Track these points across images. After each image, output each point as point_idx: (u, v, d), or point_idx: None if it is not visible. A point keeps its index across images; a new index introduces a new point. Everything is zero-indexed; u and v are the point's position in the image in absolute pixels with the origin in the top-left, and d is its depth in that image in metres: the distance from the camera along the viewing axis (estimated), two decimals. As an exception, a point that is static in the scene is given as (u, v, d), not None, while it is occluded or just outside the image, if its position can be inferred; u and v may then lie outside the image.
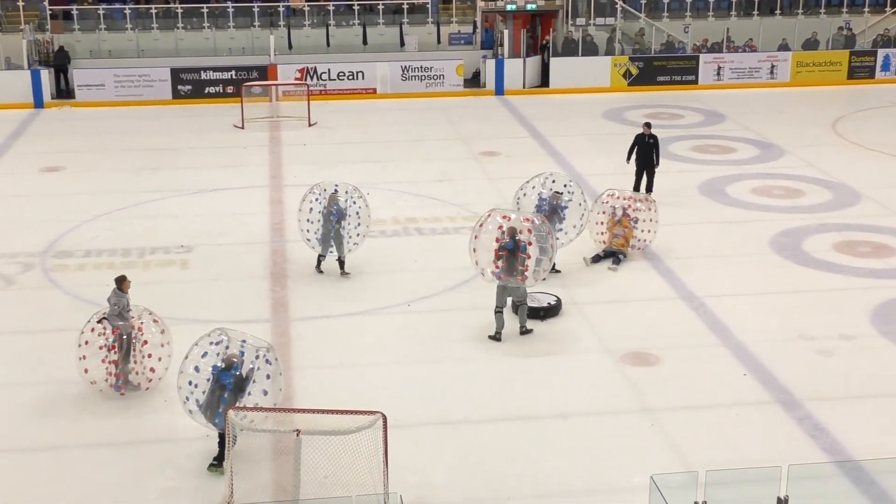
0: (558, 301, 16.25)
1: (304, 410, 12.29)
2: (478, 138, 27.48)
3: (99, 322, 13.66)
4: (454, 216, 20.92)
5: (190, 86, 32.24)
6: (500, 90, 33.11)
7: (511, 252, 14.94)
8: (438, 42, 34.78)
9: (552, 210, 17.64)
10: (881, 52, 34.65)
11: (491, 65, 33.28)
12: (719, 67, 34.16)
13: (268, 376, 12.19)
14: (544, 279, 15.86)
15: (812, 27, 35.22)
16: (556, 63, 33.53)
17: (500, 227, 15.12)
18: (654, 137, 21.67)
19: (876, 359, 14.96)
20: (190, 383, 12.09)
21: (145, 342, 13.70)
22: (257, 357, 12.21)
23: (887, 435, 12.89)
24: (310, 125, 29.01)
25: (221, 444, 11.95)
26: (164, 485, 11.91)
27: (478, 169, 24.59)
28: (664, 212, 18.76)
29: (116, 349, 13.59)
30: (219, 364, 12.09)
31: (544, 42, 34.19)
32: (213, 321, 15.98)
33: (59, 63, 32.20)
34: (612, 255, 18.18)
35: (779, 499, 8.32)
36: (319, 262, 17.83)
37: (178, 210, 21.70)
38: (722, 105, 31.32)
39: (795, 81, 34.25)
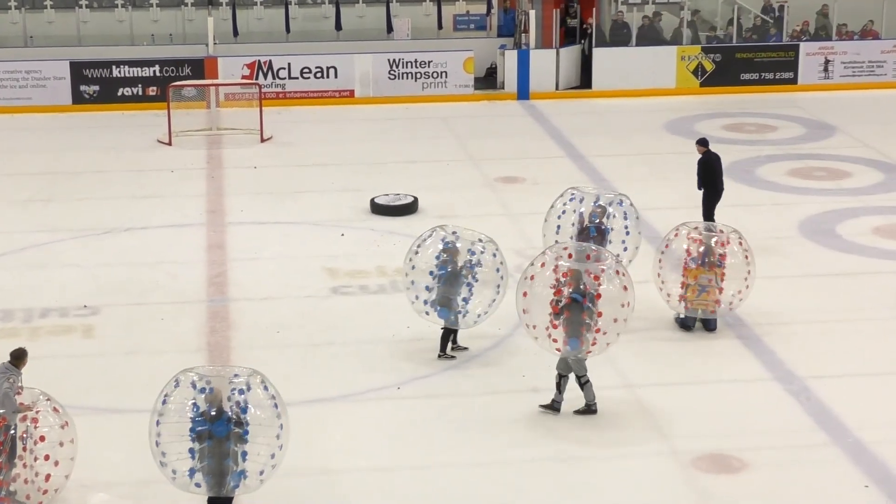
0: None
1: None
2: (494, 159, 27.64)
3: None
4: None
5: (97, 86, 32.41)
6: (523, 93, 33.29)
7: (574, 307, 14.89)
8: (440, 27, 35.01)
9: (600, 234, 17.94)
10: None
11: (512, 58, 33.49)
12: (827, 61, 34.30)
13: (275, 405, 12.75)
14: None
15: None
16: (600, 55, 33.75)
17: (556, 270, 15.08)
18: (707, 155, 21.75)
19: None
20: (165, 460, 12.73)
21: (41, 438, 13.64)
22: (245, 390, 12.73)
23: None
24: (262, 140, 29.20)
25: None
26: None
27: (494, 200, 24.74)
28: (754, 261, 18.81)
29: (0, 448, 13.59)
30: (203, 413, 12.53)
31: (585, 27, 34.31)
32: (127, 409, 16.09)
33: None
34: (700, 322, 18.25)
35: None
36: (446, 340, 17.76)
37: (80, 257, 21.80)
38: (831, 113, 31.48)
39: (933, 80, 34.52)
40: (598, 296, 14.78)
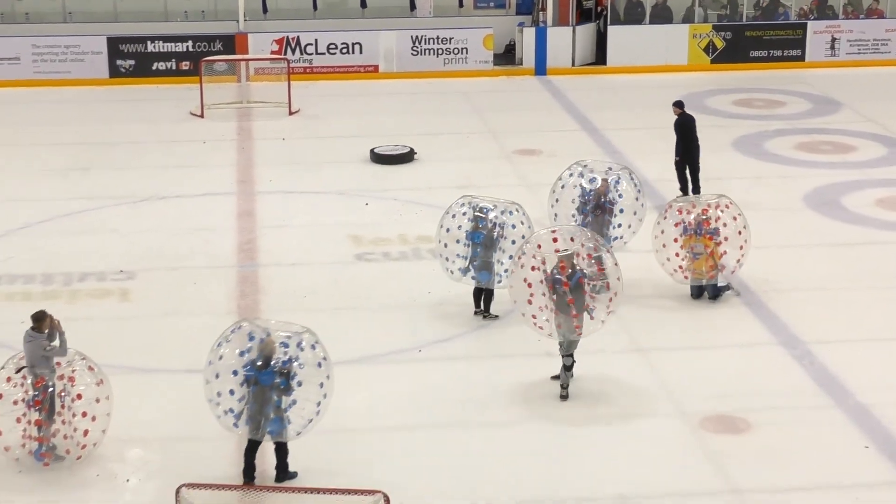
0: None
1: (278, 489, 12.41)
2: (512, 132, 27.63)
3: (17, 371, 13.77)
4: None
5: (133, 61, 32.43)
6: (541, 69, 33.23)
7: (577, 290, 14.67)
8: (461, 5, 34.94)
9: (600, 208, 17.89)
10: None
11: (529, 35, 33.44)
12: (834, 39, 34.15)
13: (319, 364, 13.10)
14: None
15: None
16: (615, 33, 33.66)
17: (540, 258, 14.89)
18: (682, 117, 22.99)
19: None
20: (219, 395, 13.02)
21: (78, 396, 13.76)
22: (299, 346, 13.08)
23: None
24: (290, 113, 29.22)
25: (279, 453, 13.36)
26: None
27: (512, 172, 24.74)
28: (759, 231, 18.73)
29: (40, 406, 13.69)
30: (254, 362, 12.82)
31: (600, 9, 34.19)
32: (161, 369, 16.19)
33: None
34: (715, 290, 18.18)
35: None
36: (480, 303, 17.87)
37: (117, 224, 21.89)
38: (837, 89, 31.38)
39: (935, 59, 34.36)
40: (582, 280, 14.56)
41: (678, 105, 23.30)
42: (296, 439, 13.29)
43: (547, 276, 14.61)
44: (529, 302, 14.73)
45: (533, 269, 14.75)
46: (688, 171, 22.62)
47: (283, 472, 13.54)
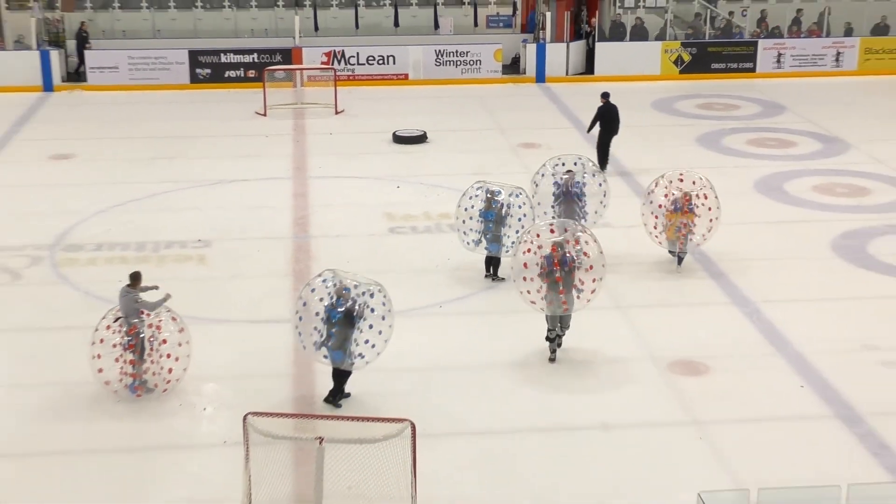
0: None
1: (327, 417, 12.46)
2: (517, 129, 27.54)
3: (116, 320, 13.85)
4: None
5: (209, 69, 32.43)
6: (541, 77, 33.10)
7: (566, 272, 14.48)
8: (475, 25, 34.79)
9: (569, 196, 17.86)
10: (957, 40, 34.44)
11: (532, 50, 33.27)
12: (780, 54, 33.98)
13: (383, 317, 13.36)
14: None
15: (882, 10, 34.94)
16: (602, 48, 33.50)
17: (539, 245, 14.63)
18: (606, 105, 23.68)
19: (945, 372, 14.93)
20: (301, 319, 13.43)
21: (163, 341, 13.85)
22: (370, 295, 13.33)
23: (956, 454, 12.90)
24: (336, 113, 29.14)
25: (337, 378, 13.66)
26: (177, 494, 12.07)
27: (517, 161, 24.64)
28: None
29: (133, 348, 13.77)
30: (330, 302, 13.22)
31: (589, 29, 34.07)
32: (232, 320, 16.27)
33: (81, 43, 32.07)
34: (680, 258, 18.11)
35: (836, 519, 8.37)
36: (490, 268, 17.85)
37: (196, 202, 21.91)
38: (782, 95, 31.21)
39: (863, 70, 34.06)
40: (586, 254, 14.44)
41: (604, 96, 23.83)
42: (357, 370, 13.57)
43: (542, 259, 14.46)
44: (524, 279, 14.62)
45: (528, 251, 14.63)
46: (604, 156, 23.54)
47: (339, 393, 13.80)
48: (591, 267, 14.51)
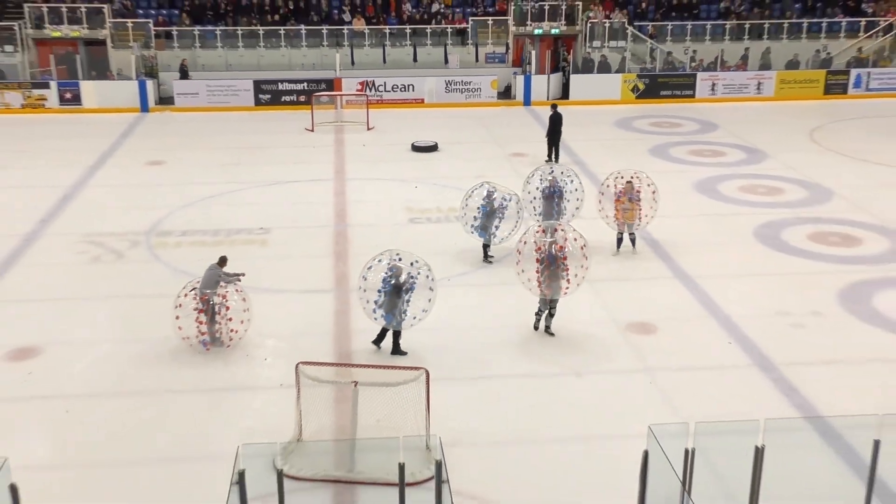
0: None
1: (360, 366, 12.46)
2: (509, 141, 27.40)
3: (192, 290, 13.84)
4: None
5: (269, 95, 32.34)
6: (527, 101, 32.94)
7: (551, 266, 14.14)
8: (476, 60, 34.63)
9: (552, 196, 17.72)
10: (853, 72, 34.13)
11: (520, 80, 33.11)
12: (714, 84, 33.75)
13: (430, 288, 13.38)
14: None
15: (794, 50, 34.82)
16: (575, 79, 33.31)
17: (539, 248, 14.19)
18: (555, 115, 24.43)
19: (841, 332, 14.87)
20: (367, 300, 13.46)
21: (228, 308, 13.86)
22: (418, 273, 13.28)
23: (849, 395, 12.83)
24: (368, 129, 29.05)
25: (381, 334, 13.76)
26: (245, 424, 12.09)
27: (509, 167, 24.53)
28: (665, 206, 18.58)
29: (204, 312, 13.77)
30: (388, 278, 13.24)
31: (565, 64, 33.91)
32: (286, 290, 16.25)
33: (183, 75, 32.31)
34: (627, 237, 17.82)
35: (756, 448, 8.32)
36: (486, 252, 17.66)
37: (258, 199, 21.84)
38: (715, 116, 31.01)
39: (779, 96, 33.83)
40: (565, 258, 14.02)
41: (553, 107, 24.78)
42: (405, 329, 13.63)
43: (544, 255, 14.06)
44: (522, 271, 14.28)
45: (522, 242, 14.31)
46: (553, 149, 24.50)
47: (397, 349, 13.81)
48: (585, 257, 14.21)
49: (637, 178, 17.56)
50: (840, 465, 10.99)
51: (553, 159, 24.33)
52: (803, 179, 23.32)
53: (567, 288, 14.16)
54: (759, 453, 8.31)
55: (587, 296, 16.03)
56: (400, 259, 13.40)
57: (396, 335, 13.80)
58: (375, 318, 13.59)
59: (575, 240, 14.26)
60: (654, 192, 17.53)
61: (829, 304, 15.83)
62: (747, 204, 21.37)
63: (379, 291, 13.36)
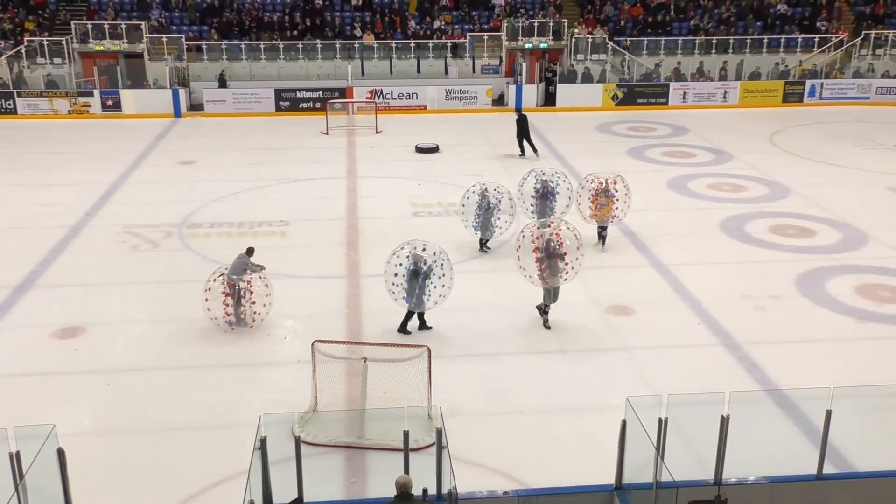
0: None
1: (369, 343, 12.40)
2: (502, 144, 27.24)
3: (220, 276, 13.78)
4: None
5: (288, 102, 32.19)
6: (518, 108, 32.79)
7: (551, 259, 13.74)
8: (473, 71, 34.45)
9: (545, 196, 17.55)
10: (808, 82, 34.00)
11: (512, 89, 32.98)
12: (685, 93, 33.61)
13: (445, 275, 13.34)
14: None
15: (756, 63, 34.65)
16: (561, 88, 33.14)
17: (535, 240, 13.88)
18: (520, 117, 25.26)
19: (798, 314, 14.82)
20: (393, 284, 13.38)
21: (252, 292, 13.81)
22: (438, 260, 13.27)
23: (805, 370, 12.79)
24: (377, 133, 28.93)
25: (407, 316, 13.60)
26: (266, 396, 12.05)
27: (501, 167, 24.44)
28: (641, 202, 18.52)
29: (231, 296, 13.72)
30: (410, 266, 13.23)
31: (549, 75, 33.74)
32: (303, 276, 16.18)
33: (221, 83, 32.27)
34: (603, 229, 17.62)
35: (722, 417, 8.28)
36: (482, 244, 17.47)
37: (279, 194, 21.74)
38: (686, 121, 30.88)
39: (743, 104, 33.66)
40: (564, 253, 13.70)
41: (518, 110, 26.44)
42: (427, 310, 13.57)
43: (542, 247, 13.70)
44: (522, 267, 13.95)
45: (522, 237, 14.01)
46: (526, 144, 25.14)
47: (424, 325, 13.81)
48: (579, 248, 13.92)
49: (611, 179, 17.42)
50: (796, 433, 10.95)
51: (525, 153, 24.97)
52: (764, 178, 23.23)
53: (566, 275, 13.91)
54: (724, 422, 8.27)
55: (572, 282, 15.98)
56: (424, 249, 13.34)
57: (420, 315, 13.76)
58: (396, 299, 13.53)
59: (569, 230, 14.09)
60: (626, 192, 17.37)
61: (787, 289, 15.78)
62: (714, 200, 21.28)
63: (403, 277, 13.30)
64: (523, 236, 14.12)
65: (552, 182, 17.82)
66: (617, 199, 17.32)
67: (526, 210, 17.82)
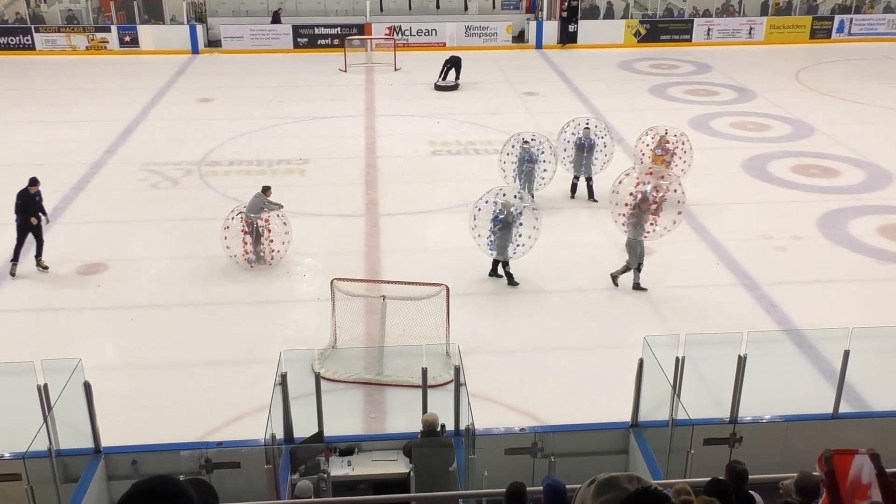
0: None
1: (388, 282, 12.45)
2: (521, 82, 26.96)
3: (238, 213, 13.82)
4: (503, 141, 20.60)
5: (306, 39, 31.86)
6: (539, 45, 32.33)
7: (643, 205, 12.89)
8: (493, 7, 33.85)
9: (585, 147, 16.72)
10: (837, 18, 33.22)
11: (533, 25, 32.44)
12: (709, 29, 32.93)
13: (533, 226, 13.03)
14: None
15: (783, -2, 33.88)
16: (583, 24, 32.54)
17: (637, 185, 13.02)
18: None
19: (818, 255, 14.72)
20: (479, 234, 13.22)
21: (270, 230, 13.86)
22: (524, 206, 13.00)
23: (824, 311, 12.75)
24: (395, 70, 28.64)
25: (505, 266, 13.37)
26: (285, 333, 12.17)
27: (521, 105, 24.19)
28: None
29: (250, 234, 13.78)
30: (497, 214, 12.92)
31: (570, 13, 33.13)
32: (322, 214, 16.21)
33: (275, 19, 31.97)
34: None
35: (739, 357, 8.29)
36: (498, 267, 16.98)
37: (298, 132, 21.65)
38: (710, 59, 30.31)
39: (769, 40, 32.95)
40: (660, 210, 13.00)
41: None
42: (512, 259, 13.34)
43: (640, 194, 12.98)
44: (620, 211, 13.26)
45: (621, 181, 13.34)
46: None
47: (510, 279, 13.48)
48: (679, 213, 13.28)
49: (671, 136, 16.67)
50: (813, 373, 10.97)
51: (444, 79, 25.72)
52: (788, 116, 22.87)
53: (648, 232, 13.01)
54: (741, 362, 8.28)
55: (593, 221, 15.92)
56: (504, 195, 13.06)
57: (506, 265, 13.43)
58: (489, 252, 13.25)
59: (675, 191, 13.18)
60: (688, 150, 16.54)
61: (808, 230, 15.65)
62: (737, 139, 21.00)
63: (490, 224, 13.00)
64: (620, 182, 13.32)
65: (594, 134, 16.92)
66: (673, 155, 16.60)
67: (562, 160, 16.98)
